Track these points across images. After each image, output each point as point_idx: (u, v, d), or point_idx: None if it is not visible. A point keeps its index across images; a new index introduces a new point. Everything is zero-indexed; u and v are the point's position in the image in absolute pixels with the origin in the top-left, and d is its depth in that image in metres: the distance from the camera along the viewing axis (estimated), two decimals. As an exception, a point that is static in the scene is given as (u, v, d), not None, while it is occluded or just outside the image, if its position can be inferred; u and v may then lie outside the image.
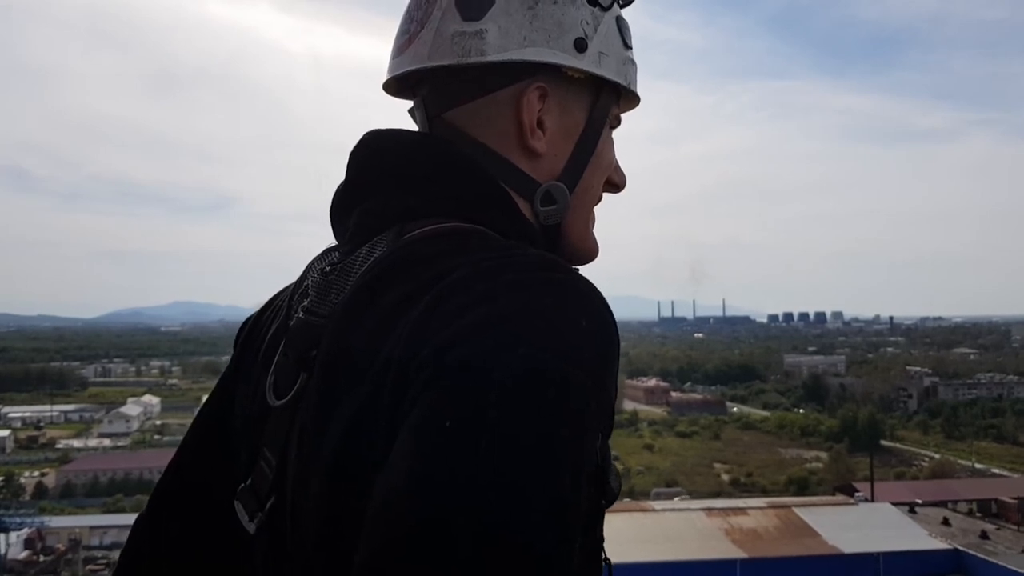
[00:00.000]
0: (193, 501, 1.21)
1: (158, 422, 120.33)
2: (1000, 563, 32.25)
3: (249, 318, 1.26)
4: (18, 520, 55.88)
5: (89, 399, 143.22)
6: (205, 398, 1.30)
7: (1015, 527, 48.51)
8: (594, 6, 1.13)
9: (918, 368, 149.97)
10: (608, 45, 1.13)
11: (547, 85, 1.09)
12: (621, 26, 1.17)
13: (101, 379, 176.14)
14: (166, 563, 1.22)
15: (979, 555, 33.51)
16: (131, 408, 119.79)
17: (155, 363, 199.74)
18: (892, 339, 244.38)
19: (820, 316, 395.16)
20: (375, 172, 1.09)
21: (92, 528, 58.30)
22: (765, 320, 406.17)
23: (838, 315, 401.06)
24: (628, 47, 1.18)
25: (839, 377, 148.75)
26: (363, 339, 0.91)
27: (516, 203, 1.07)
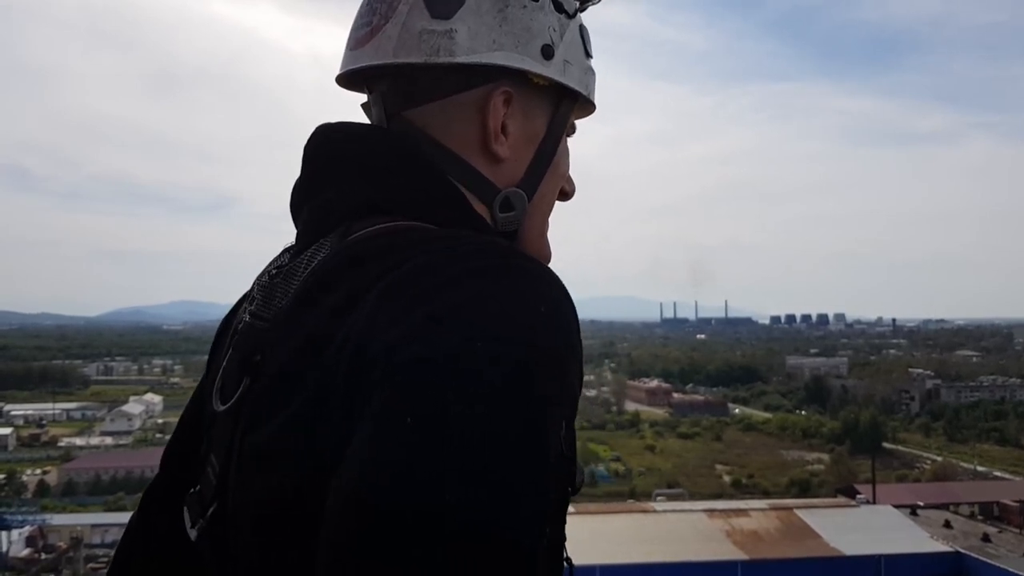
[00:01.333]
0: (178, 499, 1.17)
1: (160, 421, 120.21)
2: (1002, 566, 32.18)
3: (228, 313, 1.23)
4: (20, 518, 55.93)
5: (91, 397, 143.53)
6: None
7: (1017, 530, 48.39)
8: (561, 13, 1.11)
9: (920, 370, 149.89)
10: (572, 54, 1.12)
11: (512, 90, 1.07)
12: (584, 35, 1.16)
13: (103, 377, 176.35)
14: (156, 560, 1.22)
15: (981, 558, 33.41)
16: (133, 407, 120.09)
17: (157, 362, 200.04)
18: (894, 341, 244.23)
19: (822, 318, 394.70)
20: (326, 165, 1.07)
21: (94, 526, 58.33)
22: (767, 321, 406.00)
23: (840, 317, 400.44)
24: (589, 56, 1.17)
25: (841, 379, 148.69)
26: (306, 341, 0.89)
27: (473, 206, 1.05)
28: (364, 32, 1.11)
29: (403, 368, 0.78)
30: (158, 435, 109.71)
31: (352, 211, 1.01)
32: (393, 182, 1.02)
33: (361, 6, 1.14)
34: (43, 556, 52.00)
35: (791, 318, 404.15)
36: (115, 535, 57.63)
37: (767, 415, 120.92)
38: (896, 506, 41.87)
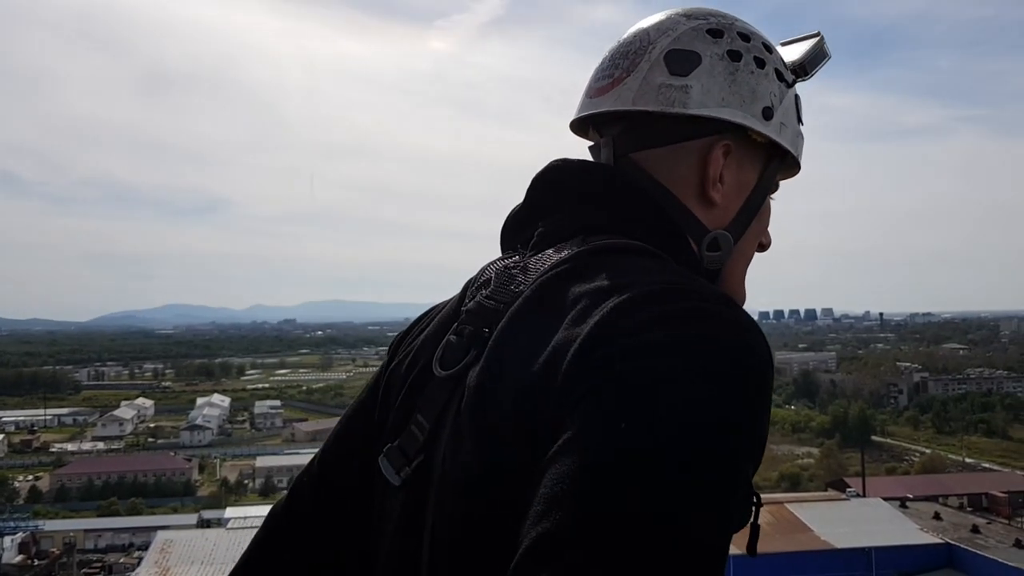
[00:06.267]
0: (353, 458, 1.30)
1: (151, 425, 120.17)
2: (991, 557, 32.55)
3: (401, 332, 1.37)
4: (12, 524, 55.94)
5: (83, 402, 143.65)
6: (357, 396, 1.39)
7: (1006, 521, 48.92)
8: (782, 82, 1.25)
9: (908, 364, 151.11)
10: (787, 118, 1.26)
11: (732, 143, 1.20)
12: (798, 103, 1.30)
13: (94, 382, 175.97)
14: (327, 508, 1.33)
15: (970, 549, 33.77)
16: (124, 411, 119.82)
17: (148, 366, 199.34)
18: (882, 335, 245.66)
19: (810, 313, 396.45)
20: (566, 191, 1.19)
21: (86, 531, 58.43)
22: (756, 318, 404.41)
23: (828, 312, 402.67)
24: (801, 122, 1.31)
25: (830, 373, 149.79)
26: (538, 328, 0.98)
27: (690, 242, 1.18)
28: (606, 83, 1.25)
29: (625, 377, 0.87)
30: (150, 439, 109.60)
31: (588, 228, 1.14)
32: (624, 210, 1.15)
33: (603, 61, 1.28)
34: (36, 562, 52.02)
35: (779, 314, 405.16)
36: (108, 540, 57.71)
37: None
38: (886, 499, 42.29)
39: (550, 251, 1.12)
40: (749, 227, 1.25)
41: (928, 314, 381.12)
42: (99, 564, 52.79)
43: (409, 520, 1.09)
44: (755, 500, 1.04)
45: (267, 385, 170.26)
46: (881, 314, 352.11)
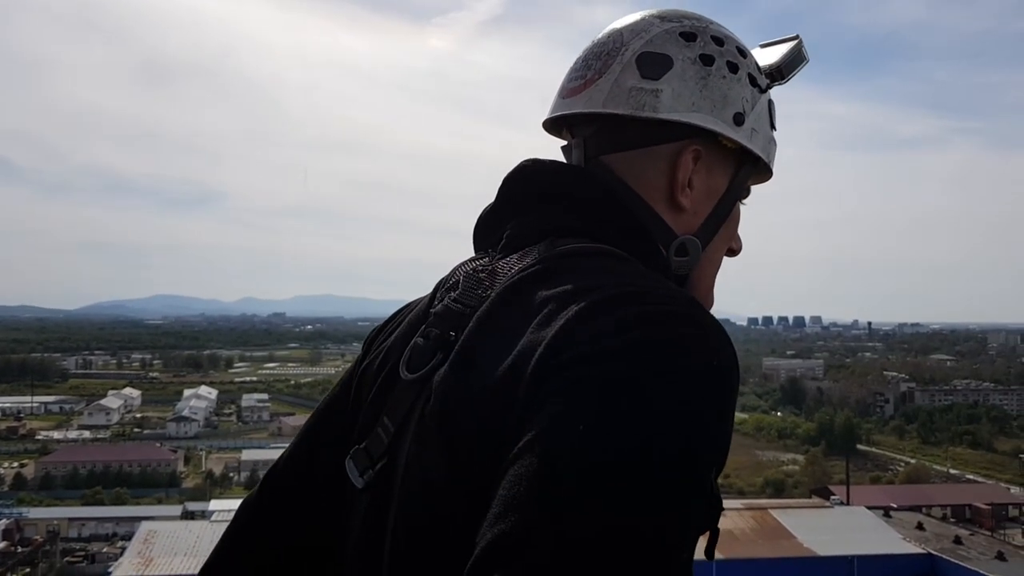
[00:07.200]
0: (302, 484, 1.32)
1: (138, 415, 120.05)
2: (973, 568, 32.69)
3: (375, 327, 1.37)
4: (-4, 511, 55.87)
5: (70, 391, 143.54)
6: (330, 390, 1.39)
7: (989, 533, 49.00)
8: (755, 87, 1.24)
9: (895, 373, 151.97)
10: (759, 123, 1.25)
11: (702, 149, 1.19)
12: (771, 109, 1.29)
13: (82, 371, 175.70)
14: (274, 540, 1.33)
15: (952, 560, 33.90)
16: (111, 400, 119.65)
17: (136, 356, 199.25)
18: (870, 344, 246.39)
19: (799, 320, 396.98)
20: (535, 192, 1.19)
21: (71, 520, 58.36)
22: (744, 323, 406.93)
23: (816, 320, 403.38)
24: (774, 128, 1.30)
25: (817, 381, 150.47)
26: (505, 331, 0.98)
27: (659, 246, 1.16)
28: (578, 84, 1.24)
29: (587, 381, 0.87)
30: (136, 429, 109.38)
31: (556, 230, 1.13)
32: (593, 212, 1.14)
33: (576, 62, 1.27)
34: (19, 549, 51.96)
35: (768, 320, 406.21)
36: (92, 529, 57.62)
37: (743, 416, 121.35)
38: (870, 508, 42.31)
39: (515, 255, 1.12)
40: (718, 233, 1.24)
41: (916, 324, 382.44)
42: (82, 553, 52.75)
43: (372, 522, 1.09)
44: (717, 504, 1.02)
45: (255, 378, 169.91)
46: (869, 323, 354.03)
